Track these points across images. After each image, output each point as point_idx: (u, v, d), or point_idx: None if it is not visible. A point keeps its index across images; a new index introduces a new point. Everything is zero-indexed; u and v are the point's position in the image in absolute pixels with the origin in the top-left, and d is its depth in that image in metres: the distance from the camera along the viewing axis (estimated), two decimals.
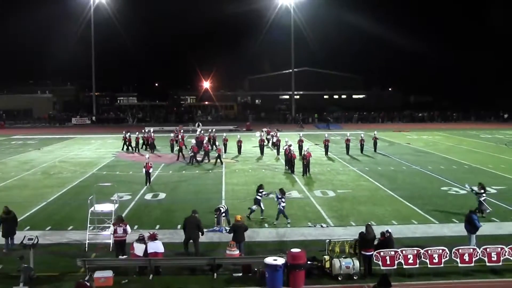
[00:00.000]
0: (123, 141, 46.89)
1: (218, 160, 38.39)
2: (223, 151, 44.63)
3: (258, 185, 23.97)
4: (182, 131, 51.15)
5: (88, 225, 19.39)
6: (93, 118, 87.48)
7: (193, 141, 40.99)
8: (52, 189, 29.45)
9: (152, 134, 47.56)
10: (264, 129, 54.41)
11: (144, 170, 30.25)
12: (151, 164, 30.50)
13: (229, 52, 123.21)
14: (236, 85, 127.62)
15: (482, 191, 23.06)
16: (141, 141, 47.88)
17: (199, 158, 39.23)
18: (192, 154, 38.81)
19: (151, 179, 30.67)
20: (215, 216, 21.24)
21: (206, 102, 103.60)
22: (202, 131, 49.48)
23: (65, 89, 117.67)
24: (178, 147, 41.72)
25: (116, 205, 20.26)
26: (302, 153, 33.50)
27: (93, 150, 47.76)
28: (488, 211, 22.87)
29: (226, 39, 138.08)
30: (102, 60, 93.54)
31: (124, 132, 47.86)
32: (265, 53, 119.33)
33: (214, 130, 51.49)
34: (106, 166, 38.16)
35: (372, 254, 16.47)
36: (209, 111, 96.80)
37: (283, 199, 22.00)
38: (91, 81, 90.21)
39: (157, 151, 46.25)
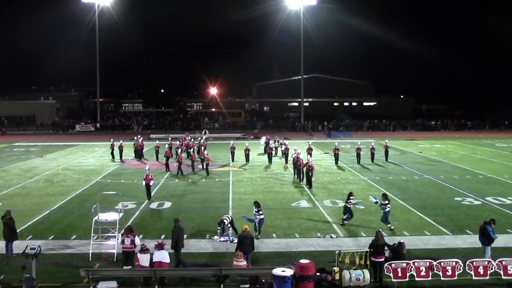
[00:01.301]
0: (111, 149, 47.14)
1: (206, 172, 37.44)
2: (231, 159, 44.80)
3: (349, 192, 24.23)
4: (189, 138, 51.18)
5: (92, 235, 19.44)
6: (98, 125, 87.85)
7: (179, 150, 40.09)
8: (55, 198, 29.57)
9: (140, 141, 47.92)
10: (264, 137, 54.63)
11: (144, 182, 28.94)
12: (151, 176, 29.15)
13: (237, 58, 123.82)
14: (244, 91, 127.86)
15: (386, 202, 22.93)
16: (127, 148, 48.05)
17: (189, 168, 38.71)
18: (177, 164, 37.63)
19: (152, 193, 29.55)
20: (218, 229, 21.29)
21: (213, 109, 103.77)
22: (191, 139, 49.10)
23: (69, 95, 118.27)
24: (165, 157, 40.14)
25: (121, 214, 20.30)
26: (307, 163, 33.17)
27: (97, 157, 47.93)
28: (389, 226, 22.66)
29: (234, 44, 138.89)
30: (106, 66, 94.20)
31: (112, 140, 48.17)
32: (274, 59, 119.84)
33: (204, 138, 51.22)
34: (111, 174, 38.28)
35: (383, 261, 16.49)
36: (216, 118, 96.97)
37: (259, 212, 21.58)
38: (96, 87, 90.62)
39: (145, 159, 46.40)
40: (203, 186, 33.15)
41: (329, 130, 78.65)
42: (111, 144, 47.05)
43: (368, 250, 16.92)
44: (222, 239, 20.95)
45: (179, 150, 41.77)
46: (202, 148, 44.07)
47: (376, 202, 23.46)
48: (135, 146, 47.60)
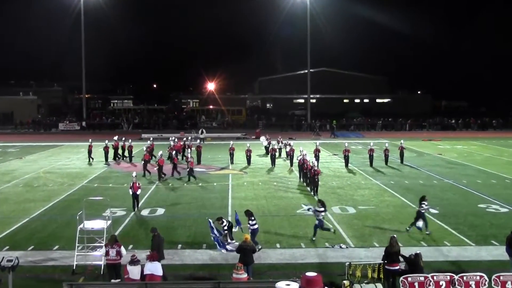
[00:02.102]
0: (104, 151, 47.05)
1: (191, 177, 36.45)
2: (230, 161, 44.75)
3: (421, 196, 24.10)
4: (187, 138, 50.98)
5: (77, 245, 19.35)
6: (83, 123, 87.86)
7: (160, 153, 38.63)
8: (36, 204, 29.51)
9: (119, 141, 47.96)
10: (263, 137, 54.68)
11: (130, 191, 27.73)
12: (139, 184, 27.91)
13: (237, 50, 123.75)
14: (245, 87, 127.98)
15: (322, 208, 22.92)
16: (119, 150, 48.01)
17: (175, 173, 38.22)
18: (158, 167, 37.03)
19: (142, 200, 29.16)
20: (225, 230, 21.39)
21: (211, 106, 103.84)
22: (175, 139, 48.67)
23: (51, 90, 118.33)
24: (143, 160, 39.11)
25: (109, 222, 20.22)
26: (312, 167, 32.89)
27: (83, 159, 47.87)
28: (331, 229, 22.74)
29: (234, 36, 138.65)
30: (93, 58, 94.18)
31: (106, 141, 47.94)
32: (278, 51, 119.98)
33: (190, 138, 50.94)
34: (98, 178, 38.24)
35: (397, 269, 16.54)
36: (214, 116, 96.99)
37: (253, 222, 21.39)
38: (81, 82, 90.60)
39: (124, 161, 46.55)
40: (199, 191, 33.10)
41: (332, 129, 78.35)
42: (106, 146, 46.85)
43: (382, 262, 16.84)
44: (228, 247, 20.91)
45: (174, 152, 41.65)
46: (188, 150, 42.80)
47: (309, 209, 23.42)
48: (114, 146, 47.57)
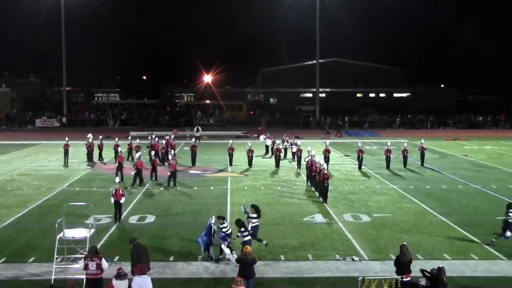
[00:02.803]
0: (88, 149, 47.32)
1: (171, 182, 36.12)
2: (229, 162, 44.73)
3: (507, 203, 23.85)
4: (170, 137, 50.77)
5: (55, 256, 19.32)
6: (64, 119, 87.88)
7: (137, 154, 38.07)
8: (9, 210, 29.47)
9: (91, 141, 48.00)
10: (263, 136, 54.80)
11: (112, 199, 26.76)
12: (122, 191, 27.12)
13: (238, 38, 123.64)
14: (246, 79, 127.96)
15: (255, 215, 22.90)
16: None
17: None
18: (135, 171, 36.20)
19: (127, 210, 28.74)
20: (238, 235, 21.23)
21: (208, 101, 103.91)
22: (156, 138, 48.52)
23: (27, 82, 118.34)
24: (117, 163, 38.94)
25: (92, 231, 20.20)
26: (320, 171, 32.68)
27: (63, 160, 47.81)
28: (264, 242, 22.58)
29: (234, 22, 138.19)
30: (75, 46, 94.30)
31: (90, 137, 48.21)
32: (283, 39, 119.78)
33: (173, 136, 50.72)
34: (80, 181, 38.24)
35: (409, 280, 16.79)
36: (212, 112, 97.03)
37: (244, 233, 21.13)
38: (61, 73, 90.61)
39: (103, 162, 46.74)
40: (195, 196, 33.09)
41: (339, 127, 78.18)
42: (91, 143, 47.02)
43: (400, 276, 16.81)
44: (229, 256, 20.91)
45: (153, 153, 40.27)
46: (171, 150, 42.59)
47: (246, 213, 23.26)
48: (100, 147, 47.67)
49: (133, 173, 36.50)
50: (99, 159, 47.34)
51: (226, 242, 20.96)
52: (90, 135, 49.04)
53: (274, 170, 42.58)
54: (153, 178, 37.63)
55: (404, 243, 18.16)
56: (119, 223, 26.63)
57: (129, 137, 49.36)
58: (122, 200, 26.91)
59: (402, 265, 17.09)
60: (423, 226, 26.36)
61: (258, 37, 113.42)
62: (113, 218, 27.14)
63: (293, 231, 25.46)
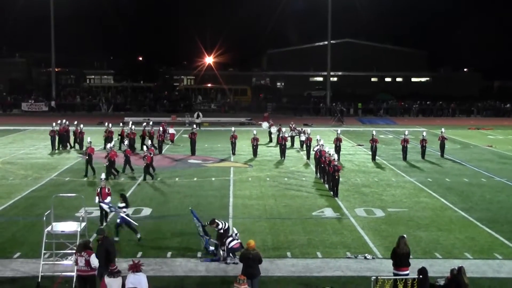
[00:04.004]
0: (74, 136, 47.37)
1: (147, 175, 35.21)
2: (231, 151, 44.76)
3: None
4: (147, 124, 50.40)
5: (43, 252, 19.38)
6: (52, 103, 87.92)
7: (109, 145, 37.49)
8: None
9: (66, 125, 48.20)
10: (266, 123, 54.90)
11: (96, 199, 24.99)
12: (108, 190, 25.34)
13: (241, 16, 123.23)
14: (250, 61, 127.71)
15: (124, 204, 23.11)
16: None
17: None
18: (108, 163, 34.90)
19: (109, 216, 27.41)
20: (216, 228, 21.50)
21: (209, 85, 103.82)
22: (132, 125, 47.78)
23: (12, 62, 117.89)
24: (87, 155, 36.72)
25: (83, 224, 20.25)
26: (329, 162, 32.54)
27: (51, 147, 47.90)
28: (138, 235, 22.92)
29: None
30: (65, 23, 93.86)
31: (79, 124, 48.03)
32: (291, 18, 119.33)
33: (151, 123, 50.18)
34: (70, 170, 38.30)
35: (408, 274, 16.98)
36: (213, 97, 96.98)
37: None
38: (50, 52, 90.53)
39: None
40: (194, 187, 33.17)
41: (341, 113, 77.60)
42: (75, 130, 46.97)
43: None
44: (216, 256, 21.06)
45: (126, 142, 39.57)
46: (148, 139, 42.31)
47: (193, 215, 22.99)
48: (60, 131, 47.57)
49: (105, 165, 35.04)
50: (72, 146, 47.55)
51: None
52: (63, 120, 48.86)
53: (280, 160, 42.61)
54: (124, 170, 36.92)
55: (404, 235, 18.29)
56: (105, 224, 25.39)
57: (121, 124, 48.82)
58: (108, 200, 24.99)
59: (399, 257, 17.43)
60: (443, 222, 26.37)
61: (265, 15, 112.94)
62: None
63: (300, 226, 25.50)
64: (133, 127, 47.26)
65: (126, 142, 38.60)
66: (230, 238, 20.96)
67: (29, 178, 35.61)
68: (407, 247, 17.63)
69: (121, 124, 49.97)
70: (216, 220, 21.77)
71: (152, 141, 44.34)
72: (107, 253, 17.72)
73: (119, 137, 46.42)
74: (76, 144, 47.63)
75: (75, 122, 49.25)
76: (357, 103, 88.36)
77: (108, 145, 37.06)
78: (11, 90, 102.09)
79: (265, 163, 41.48)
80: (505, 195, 32.18)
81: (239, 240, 20.87)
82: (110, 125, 48.06)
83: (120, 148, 42.95)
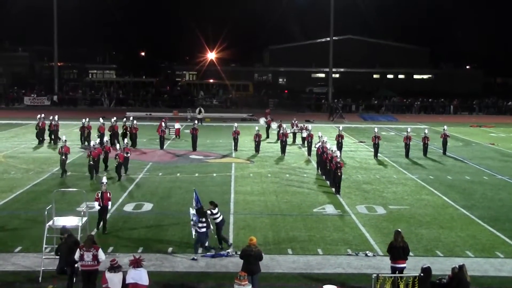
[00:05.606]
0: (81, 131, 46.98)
1: (119, 174, 33.89)
2: (233, 147, 44.72)
3: None
4: (127, 119, 50.05)
5: (44, 246, 19.42)
6: (55, 97, 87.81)
7: (92, 143, 37.09)
8: None
9: (57, 121, 47.93)
10: (263, 119, 54.89)
11: (96, 204, 23.63)
12: (109, 194, 24.17)
13: (244, 13, 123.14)
14: (252, 57, 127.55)
15: (215, 210, 22.52)
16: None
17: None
18: (91, 163, 33.66)
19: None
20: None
21: (211, 80, 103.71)
22: (114, 120, 46.84)
23: (16, 56, 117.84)
24: (63, 155, 34.86)
25: (84, 219, 20.26)
26: (331, 158, 32.48)
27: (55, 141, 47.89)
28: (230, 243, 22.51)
29: None
30: (68, 18, 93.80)
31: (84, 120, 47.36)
32: (293, 14, 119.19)
33: (134, 121, 47.70)
34: (72, 164, 38.18)
35: (405, 267, 17.63)
36: (215, 93, 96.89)
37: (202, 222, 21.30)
38: (52, 47, 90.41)
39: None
40: (196, 183, 33.05)
41: (337, 110, 76.97)
42: (82, 126, 46.62)
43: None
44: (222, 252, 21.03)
45: (106, 139, 39.15)
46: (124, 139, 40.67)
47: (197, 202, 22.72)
48: (50, 128, 47.52)
49: (90, 163, 33.80)
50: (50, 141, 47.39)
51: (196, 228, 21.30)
52: (42, 114, 48.65)
53: (281, 157, 42.57)
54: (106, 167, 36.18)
55: (399, 229, 18.67)
56: (103, 231, 23.67)
57: (113, 120, 47.44)
58: (109, 204, 24.17)
59: (396, 250, 17.88)
60: (444, 220, 26.37)
61: (267, 10, 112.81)
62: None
63: (301, 223, 25.50)
64: (135, 122, 47.19)
65: (93, 143, 36.84)
66: (205, 224, 21.14)
67: (30, 172, 35.59)
68: (404, 243, 18.08)
69: (118, 119, 49.53)
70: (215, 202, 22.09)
71: (132, 138, 44.01)
72: (70, 251, 17.71)
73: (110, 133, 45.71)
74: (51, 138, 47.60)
75: (51, 117, 48.51)
76: (359, 100, 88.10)
77: (92, 143, 36.99)
78: (13, 84, 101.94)
79: (267, 159, 41.46)
80: (507, 193, 32.14)
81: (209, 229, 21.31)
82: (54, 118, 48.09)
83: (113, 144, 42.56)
